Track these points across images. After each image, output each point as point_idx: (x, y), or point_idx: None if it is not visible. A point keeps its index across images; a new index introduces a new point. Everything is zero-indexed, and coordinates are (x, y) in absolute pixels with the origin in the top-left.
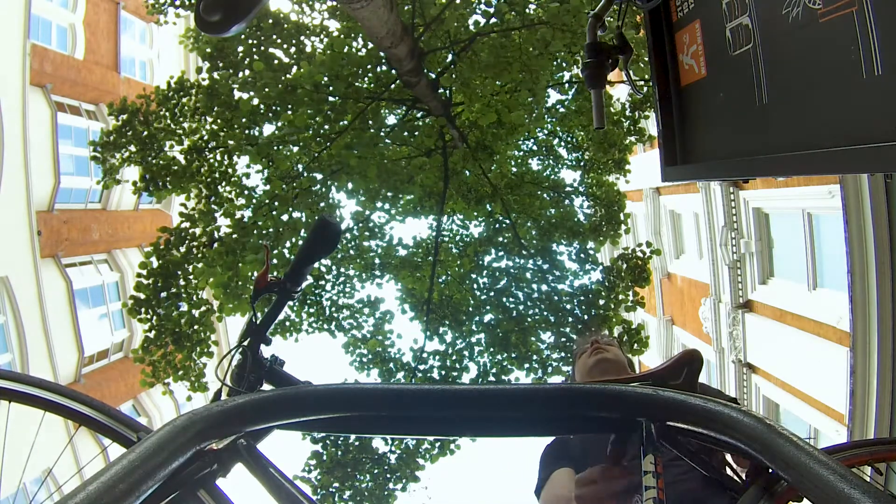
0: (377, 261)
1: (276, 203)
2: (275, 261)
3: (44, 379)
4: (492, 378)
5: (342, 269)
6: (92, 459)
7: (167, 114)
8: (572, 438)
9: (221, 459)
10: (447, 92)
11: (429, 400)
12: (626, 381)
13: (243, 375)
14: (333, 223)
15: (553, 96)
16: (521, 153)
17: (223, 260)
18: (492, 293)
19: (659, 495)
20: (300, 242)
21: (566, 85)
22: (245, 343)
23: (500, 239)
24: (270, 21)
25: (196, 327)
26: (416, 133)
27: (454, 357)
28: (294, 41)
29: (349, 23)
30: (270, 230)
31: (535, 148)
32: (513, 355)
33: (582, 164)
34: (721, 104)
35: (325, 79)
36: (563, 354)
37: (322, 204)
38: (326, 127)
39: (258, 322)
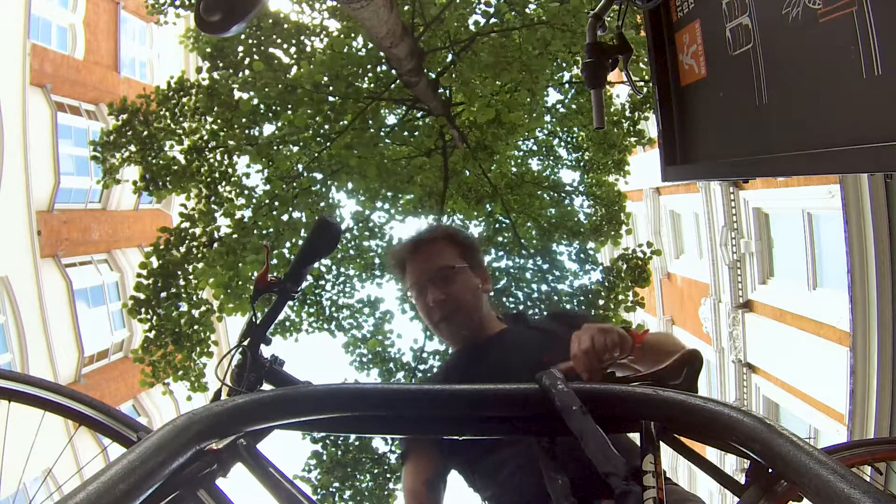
0: (377, 261)
1: (276, 203)
2: (275, 261)
3: (44, 378)
4: None
5: (342, 269)
6: (92, 459)
7: (167, 114)
8: None
9: (221, 459)
10: (447, 92)
11: (429, 400)
12: (626, 381)
13: (243, 375)
14: (333, 223)
15: (553, 96)
16: (521, 153)
17: (223, 260)
18: (491, 293)
19: (659, 495)
20: (300, 242)
21: (566, 85)
22: (245, 343)
23: (500, 239)
24: (270, 21)
25: (196, 327)
26: (416, 133)
27: None
28: (294, 41)
29: (349, 23)
30: (270, 230)
31: (535, 148)
32: None
33: (582, 164)
34: (721, 104)
35: (325, 79)
36: None
37: (322, 204)
38: (326, 127)
39: (258, 322)
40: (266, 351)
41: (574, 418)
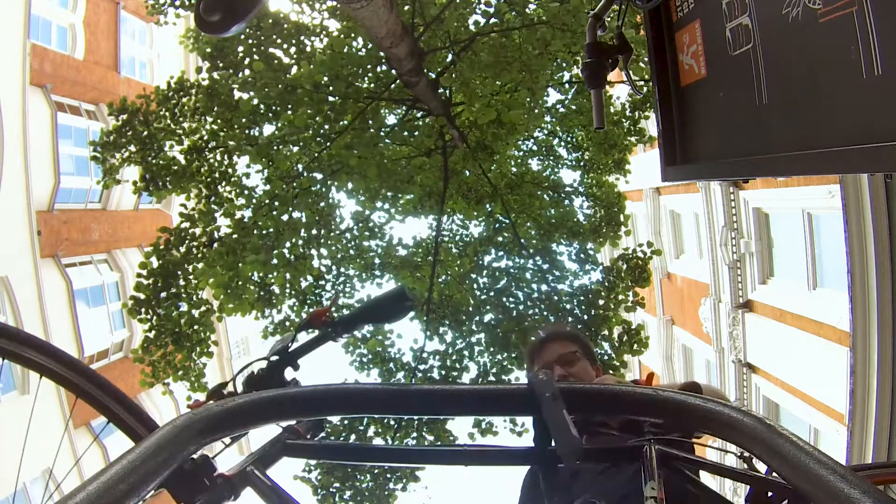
0: (377, 261)
1: (276, 203)
2: (275, 261)
3: (78, 360)
4: (492, 378)
5: (342, 269)
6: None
7: (167, 114)
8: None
9: (232, 486)
10: (447, 92)
11: (429, 400)
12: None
13: (257, 385)
14: (410, 298)
15: (553, 96)
16: (521, 153)
17: (223, 260)
18: (492, 293)
19: (659, 494)
20: (361, 302)
21: (566, 85)
22: (272, 358)
23: (500, 239)
24: (270, 21)
25: (196, 327)
26: (416, 133)
27: (454, 357)
28: (294, 41)
29: (349, 23)
30: (270, 230)
31: (535, 148)
32: (513, 355)
33: (582, 164)
34: (721, 104)
35: (325, 79)
36: None
37: (322, 204)
38: (326, 127)
39: (294, 348)
40: (289, 373)
41: (545, 406)
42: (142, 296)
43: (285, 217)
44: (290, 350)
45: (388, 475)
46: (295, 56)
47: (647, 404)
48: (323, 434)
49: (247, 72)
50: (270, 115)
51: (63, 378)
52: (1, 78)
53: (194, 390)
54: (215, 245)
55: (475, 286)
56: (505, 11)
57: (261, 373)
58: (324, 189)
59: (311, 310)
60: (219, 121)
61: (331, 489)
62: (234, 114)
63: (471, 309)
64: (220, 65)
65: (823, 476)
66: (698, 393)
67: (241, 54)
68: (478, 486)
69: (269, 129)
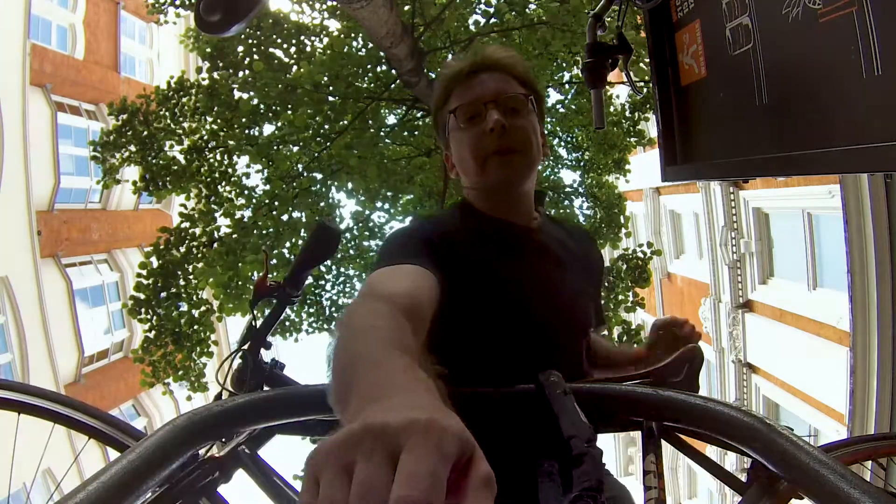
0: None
1: (276, 203)
2: (274, 261)
3: (55, 391)
4: None
5: (342, 269)
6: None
7: (167, 114)
8: None
9: (223, 466)
10: None
11: None
12: (625, 379)
13: (244, 380)
14: (333, 228)
15: (553, 96)
16: None
17: (223, 260)
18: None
19: (661, 496)
20: (300, 244)
21: (566, 85)
22: (245, 347)
23: None
24: (270, 21)
25: (196, 327)
26: (416, 133)
27: None
28: (294, 41)
29: (349, 23)
30: (270, 230)
31: None
32: None
33: (582, 164)
34: (721, 104)
35: (325, 79)
36: None
37: (322, 204)
38: (326, 127)
39: (258, 326)
40: (266, 355)
41: (556, 401)
42: (142, 296)
43: (285, 217)
44: (256, 329)
45: None
46: (295, 56)
47: (648, 404)
48: None
49: (247, 72)
50: (270, 115)
51: (41, 409)
52: (1, 78)
53: (194, 390)
54: (215, 245)
55: None
56: (505, 11)
57: (240, 367)
58: (324, 189)
59: (309, 309)
60: (219, 121)
61: None
62: (234, 114)
63: None
64: (220, 65)
65: (823, 475)
66: (698, 361)
67: (241, 54)
68: None
69: (269, 129)
